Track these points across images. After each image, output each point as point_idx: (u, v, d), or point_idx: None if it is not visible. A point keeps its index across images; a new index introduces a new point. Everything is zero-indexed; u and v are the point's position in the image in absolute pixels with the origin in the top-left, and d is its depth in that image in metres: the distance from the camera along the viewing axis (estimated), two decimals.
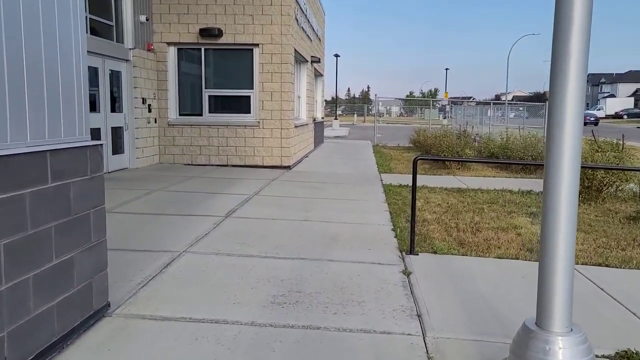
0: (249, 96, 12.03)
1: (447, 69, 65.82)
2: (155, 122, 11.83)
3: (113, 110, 10.25)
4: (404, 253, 5.22)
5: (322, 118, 22.12)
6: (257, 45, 11.78)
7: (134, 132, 10.87)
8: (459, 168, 13.31)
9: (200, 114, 12.15)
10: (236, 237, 5.55)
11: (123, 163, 10.70)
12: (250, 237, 5.56)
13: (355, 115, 59.77)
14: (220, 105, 12.23)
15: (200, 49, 11.96)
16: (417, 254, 5.20)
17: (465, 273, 4.65)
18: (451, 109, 60.63)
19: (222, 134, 12.02)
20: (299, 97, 15.31)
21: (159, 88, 11.92)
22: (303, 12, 13.60)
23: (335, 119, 42.26)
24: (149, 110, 11.45)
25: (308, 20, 14.94)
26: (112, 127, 10.15)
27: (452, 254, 5.35)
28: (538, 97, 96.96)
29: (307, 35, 15.03)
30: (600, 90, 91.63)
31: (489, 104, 33.20)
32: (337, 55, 43.14)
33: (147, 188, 8.48)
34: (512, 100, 54.13)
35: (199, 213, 6.71)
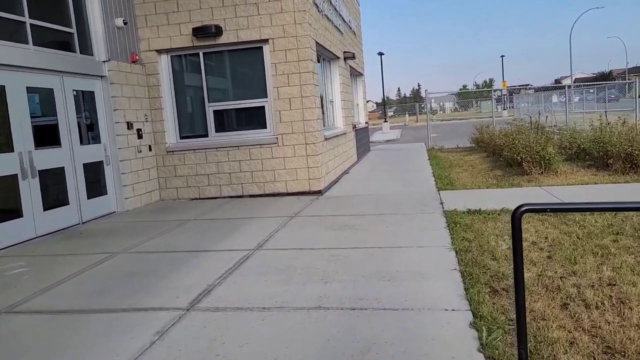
0: (263, 106, 9.51)
1: (502, 56, 61.01)
2: (150, 149, 9.52)
3: (84, 141, 7.99)
4: None
5: (366, 123, 19.35)
6: (266, 41, 9.24)
7: (119, 166, 8.59)
8: (542, 173, 10.21)
9: (205, 135, 9.74)
10: None
11: (107, 207, 8.42)
12: None
13: (407, 115, 56.38)
14: (229, 121, 9.78)
15: (198, 53, 9.57)
16: None
17: None
18: (508, 99, 56.06)
19: (233, 157, 9.55)
20: (331, 101, 12.67)
21: (151, 107, 9.62)
22: None
23: (385, 121, 39.34)
24: (139, 137, 9.15)
25: (335, 8, 12.31)
26: (84, 164, 7.89)
27: None
28: (604, 77, 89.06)
29: (335, 26, 12.38)
30: None
31: (559, 87, 29.25)
32: (381, 54, 40.27)
33: (110, 249, 6.07)
34: (570, 82, 49.15)
35: (147, 304, 4.16)
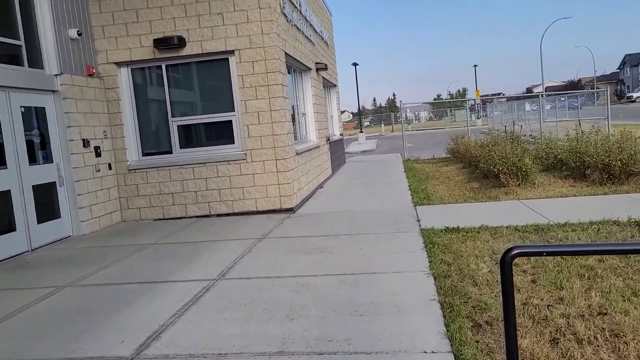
0: (230, 121, 9.05)
1: (475, 66, 61.53)
2: (110, 168, 8.95)
3: (34, 161, 7.41)
4: None
5: (341, 135, 19.02)
6: (232, 52, 8.81)
7: (75, 186, 8.00)
8: (519, 184, 9.97)
9: (170, 151, 9.22)
10: None
11: (61, 231, 7.82)
12: None
13: (383, 125, 56.37)
14: (194, 136, 9.29)
15: (160, 65, 9.07)
16: None
17: None
18: (481, 107, 56.62)
19: (199, 175, 9.04)
20: (303, 114, 12.28)
21: (111, 123, 9.07)
22: (295, 5, 10.60)
23: (361, 132, 39.15)
24: (98, 155, 8.58)
25: (305, 18, 11.96)
26: (34, 186, 7.29)
27: None
28: (573, 85, 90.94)
29: (306, 37, 12.02)
30: None
31: (531, 96, 29.47)
32: (355, 64, 40.14)
33: (57, 281, 5.50)
34: (542, 91, 49.85)
35: (86, 352, 3.64)
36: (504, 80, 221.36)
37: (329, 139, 14.69)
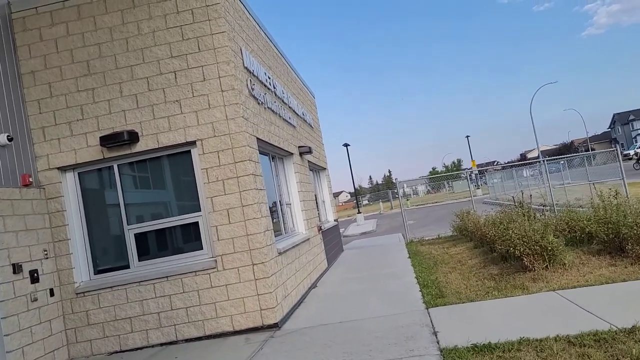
0: (196, 222, 7.59)
1: (467, 137, 61.40)
2: (52, 294, 7.35)
3: None
4: None
5: (336, 220, 17.53)
6: (193, 143, 7.54)
7: (2, 325, 6.37)
8: (546, 267, 8.37)
9: (127, 266, 7.67)
10: None
11: None
12: None
13: (381, 203, 55.15)
14: (155, 245, 7.78)
15: (112, 166, 7.76)
16: None
17: None
18: (477, 177, 55.89)
19: (161, 292, 7.43)
20: (288, 204, 10.87)
21: (54, 239, 7.59)
22: (266, 86, 9.51)
23: (359, 212, 37.74)
24: (34, 280, 7.02)
25: (283, 100, 10.89)
26: None
27: None
28: (566, 148, 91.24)
29: (285, 120, 10.89)
30: (632, 128, 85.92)
31: (531, 163, 28.44)
32: (346, 145, 39.52)
33: None
34: (538, 155, 49.30)
35: None
36: (496, 147, 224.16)
37: (321, 228, 13.18)
